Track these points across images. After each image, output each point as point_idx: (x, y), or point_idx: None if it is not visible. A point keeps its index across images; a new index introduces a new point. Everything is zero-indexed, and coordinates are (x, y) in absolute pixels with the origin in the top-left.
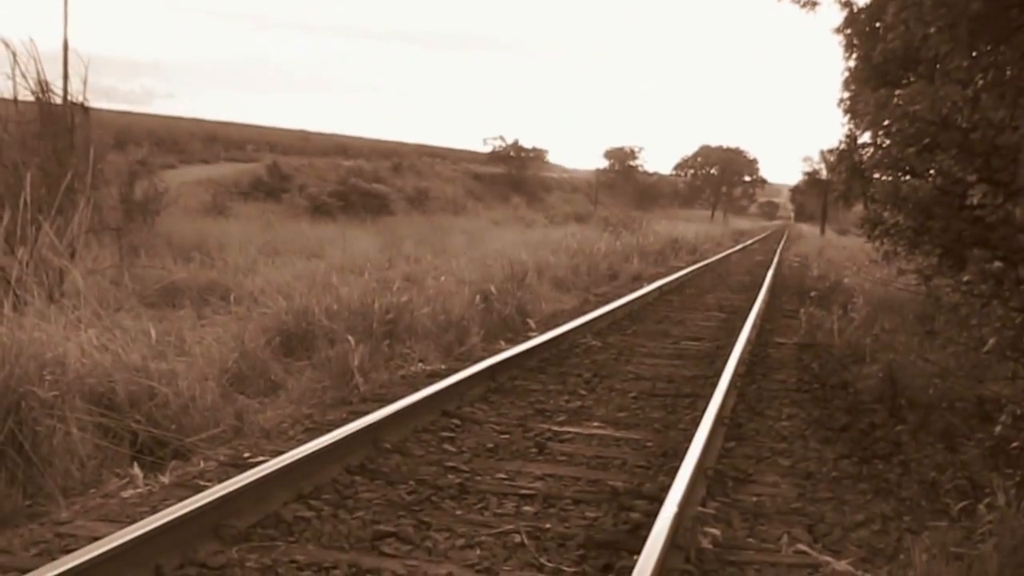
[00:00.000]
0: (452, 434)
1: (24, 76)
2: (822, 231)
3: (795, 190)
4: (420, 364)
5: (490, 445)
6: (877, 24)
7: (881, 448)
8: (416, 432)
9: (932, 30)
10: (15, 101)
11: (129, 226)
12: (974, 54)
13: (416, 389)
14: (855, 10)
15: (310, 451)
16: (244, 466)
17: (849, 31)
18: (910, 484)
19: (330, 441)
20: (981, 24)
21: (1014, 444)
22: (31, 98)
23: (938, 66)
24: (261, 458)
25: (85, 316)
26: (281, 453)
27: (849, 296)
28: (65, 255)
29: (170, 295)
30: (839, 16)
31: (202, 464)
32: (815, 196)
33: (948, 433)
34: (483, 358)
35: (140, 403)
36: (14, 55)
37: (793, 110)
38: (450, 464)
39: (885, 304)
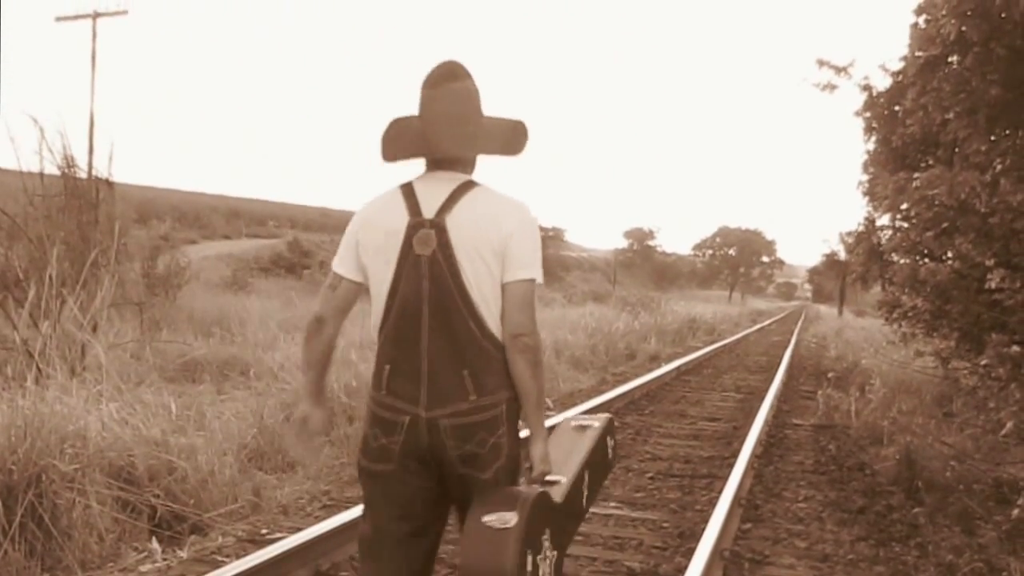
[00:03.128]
0: None
1: (51, 150)
2: (840, 312)
3: (813, 271)
4: None
5: None
6: (896, 108)
7: (898, 530)
8: None
9: (951, 115)
10: (41, 175)
11: (151, 301)
12: (992, 139)
13: None
14: (874, 94)
15: (328, 528)
16: (262, 542)
17: (868, 115)
18: (927, 567)
19: (348, 518)
20: (999, 110)
21: None
22: (56, 172)
23: (956, 150)
24: (279, 534)
25: (106, 390)
26: (299, 530)
27: (866, 377)
28: (88, 329)
29: (190, 370)
30: (859, 99)
31: (220, 539)
32: (833, 277)
33: (965, 516)
34: None
35: (159, 477)
36: (41, 131)
37: (812, 192)
38: None
39: (902, 386)
